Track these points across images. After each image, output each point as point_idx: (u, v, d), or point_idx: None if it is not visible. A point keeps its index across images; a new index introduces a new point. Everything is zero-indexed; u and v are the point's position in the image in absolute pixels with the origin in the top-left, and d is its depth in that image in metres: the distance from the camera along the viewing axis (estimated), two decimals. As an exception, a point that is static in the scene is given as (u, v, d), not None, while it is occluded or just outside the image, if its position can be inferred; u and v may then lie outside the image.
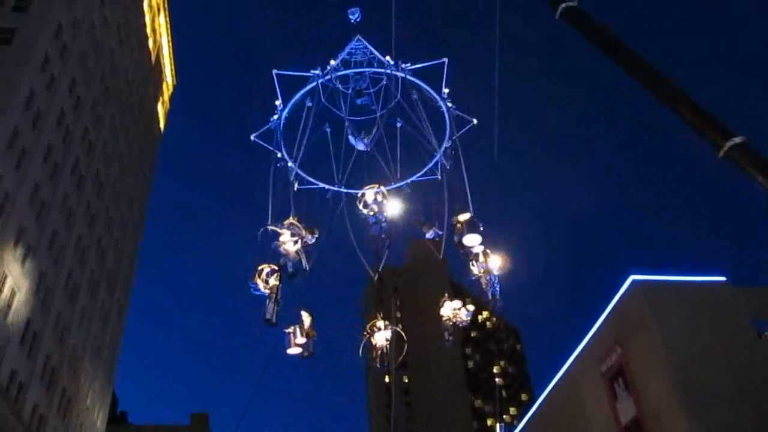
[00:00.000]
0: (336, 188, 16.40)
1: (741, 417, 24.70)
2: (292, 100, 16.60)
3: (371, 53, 16.86)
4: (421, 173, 16.69)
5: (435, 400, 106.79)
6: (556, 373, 36.45)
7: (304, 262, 13.63)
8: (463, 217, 14.41)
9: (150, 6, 72.73)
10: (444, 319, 14.79)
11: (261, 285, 13.21)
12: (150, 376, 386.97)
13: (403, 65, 16.64)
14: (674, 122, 8.15)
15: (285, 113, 16.50)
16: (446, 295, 14.98)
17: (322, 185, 16.50)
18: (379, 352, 15.01)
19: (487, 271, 14.48)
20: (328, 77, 16.48)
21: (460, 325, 14.92)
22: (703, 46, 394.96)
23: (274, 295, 13.25)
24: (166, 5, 78.74)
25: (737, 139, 7.40)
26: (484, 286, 14.54)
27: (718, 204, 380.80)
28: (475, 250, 14.47)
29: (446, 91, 16.65)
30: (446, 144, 16.36)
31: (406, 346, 15.79)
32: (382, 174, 16.15)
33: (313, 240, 13.78)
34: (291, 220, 13.72)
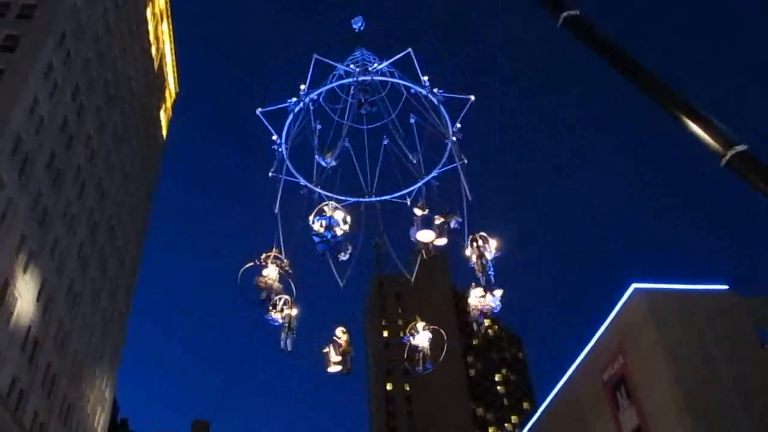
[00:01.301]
0: (312, 186, 15.95)
1: (743, 426, 24.60)
2: (324, 87, 16.34)
3: (369, 62, 16.64)
4: (440, 165, 16.25)
5: (436, 409, 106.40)
6: (558, 381, 36.38)
7: (293, 288, 13.80)
8: (419, 212, 14.19)
9: (153, 14, 73.03)
10: (471, 309, 14.22)
11: (275, 314, 13.61)
12: (152, 383, 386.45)
13: (436, 90, 16.22)
14: (674, 124, 8.17)
15: (309, 98, 16.18)
16: (473, 284, 14.50)
17: (300, 180, 16.09)
18: (420, 354, 14.72)
19: (482, 257, 14.08)
20: (367, 78, 16.14)
21: (488, 312, 14.36)
22: (703, 46, 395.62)
23: (287, 324, 13.62)
24: (169, 13, 79.05)
25: (740, 148, 7.42)
26: (478, 272, 14.17)
27: (718, 206, 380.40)
28: (437, 243, 14.18)
29: (425, 78, 16.29)
30: (453, 129, 16.10)
31: (445, 346, 15.31)
32: (390, 178, 16.20)
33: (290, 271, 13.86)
34: (273, 252, 13.81)
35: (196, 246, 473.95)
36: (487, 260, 14.05)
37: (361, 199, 16.15)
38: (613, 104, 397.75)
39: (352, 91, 16.41)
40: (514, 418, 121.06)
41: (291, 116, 16.13)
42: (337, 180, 16.18)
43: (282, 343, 13.60)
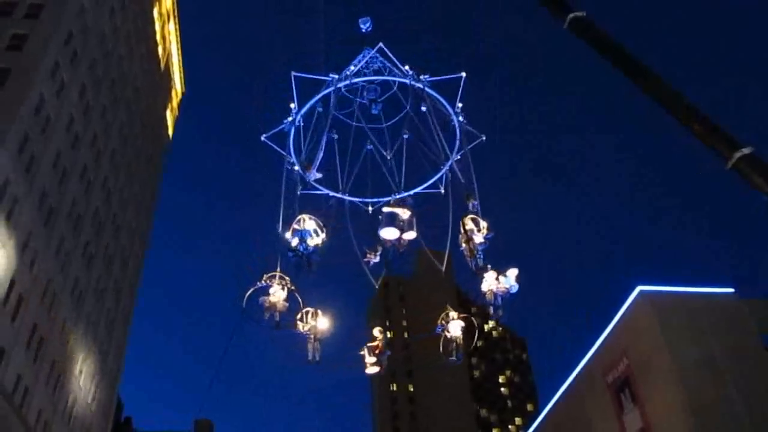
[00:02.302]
0: (340, 195, 16.31)
1: (747, 428, 24.53)
2: (308, 103, 16.51)
3: (384, 63, 16.74)
4: (425, 185, 16.51)
5: (440, 410, 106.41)
6: (563, 383, 36.32)
7: (300, 302, 14.02)
8: (388, 209, 14.12)
9: (160, 14, 73.22)
10: (487, 294, 13.99)
11: (301, 327, 13.98)
12: (155, 382, 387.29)
13: (422, 76, 16.46)
14: (677, 126, 8.16)
15: (300, 116, 16.39)
16: (488, 266, 14.33)
17: (326, 191, 16.35)
18: (453, 344, 14.57)
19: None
20: (346, 82, 16.35)
21: (505, 294, 13.99)
22: (703, 46, 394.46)
23: (313, 336, 13.95)
24: (175, 13, 79.22)
25: (745, 150, 7.40)
26: (467, 257, 14.05)
27: (720, 208, 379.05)
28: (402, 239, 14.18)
29: (460, 105, 16.51)
30: (455, 157, 16.20)
31: (476, 333, 15.16)
32: (386, 185, 16.17)
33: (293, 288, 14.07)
34: (276, 272, 13.99)
35: (199, 246, 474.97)
36: (476, 244, 13.93)
37: (392, 197, 16.04)
38: (614, 104, 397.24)
39: (365, 93, 16.55)
40: (518, 420, 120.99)
41: (291, 135, 16.36)
42: (368, 182, 16.45)
43: (310, 354, 13.94)
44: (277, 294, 13.65)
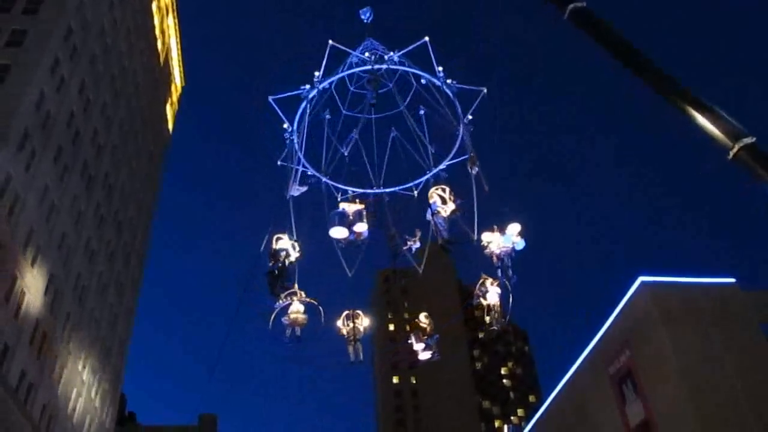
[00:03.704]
0: (320, 175, 15.97)
1: (749, 420, 24.56)
2: (335, 76, 16.23)
3: (384, 52, 16.54)
4: (450, 156, 16.17)
5: (443, 402, 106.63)
6: (564, 375, 36.34)
7: (321, 313, 14.26)
8: (352, 207, 14.23)
9: (159, 8, 73.03)
10: (494, 259, 13.84)
11: (343, 330, 14.32)
12: (159, 377, 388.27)
13: (450, 81, 16.12)
14: (677, 120, 8.12)
15: (296, 137, 16.03)
16: (495, 226, 14.09)
17: (309, 169, 16.03)
18: (492, 312, 14.37)
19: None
20: (383, 66, 16.07)
21: (512, 254, 13.76)
22: (703, 46, 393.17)
23: (352, 337, 14.26)
24: (175, 7, 79.02)
25: (748, 140, 7.35)
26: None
27: (720, 204, 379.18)
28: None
29: (440, 69, 16.16)
30: (464, 121, 15.94)
31: (511, 297, 14.77)
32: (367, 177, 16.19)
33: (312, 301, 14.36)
34: (294, 289, 14.22)
35: (200, 241, 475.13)
36: (443, 217, 13.87)
37: (368, 191, 16.15)
38: (613, 104, 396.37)
39: (367, 80, 16.36)
40: (520, 412, 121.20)
41: (304, 103, 16.03)
42: (344, 171, 16.26)
43: (352, 356, 14.29)
44: (298, 309, 13.99)
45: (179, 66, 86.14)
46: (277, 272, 13.76)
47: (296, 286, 14.26)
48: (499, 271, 14.09)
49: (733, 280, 29.79)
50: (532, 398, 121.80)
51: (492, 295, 14.29)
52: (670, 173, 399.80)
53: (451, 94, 16.00)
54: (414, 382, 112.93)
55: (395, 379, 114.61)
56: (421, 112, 16.66)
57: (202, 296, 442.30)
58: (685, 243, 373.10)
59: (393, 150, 16.75)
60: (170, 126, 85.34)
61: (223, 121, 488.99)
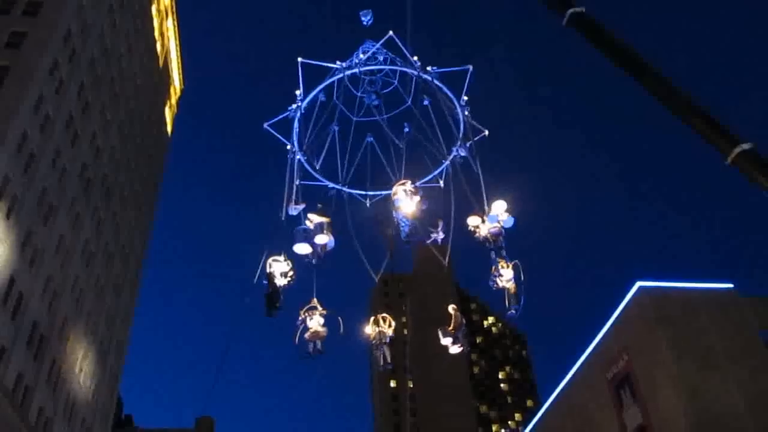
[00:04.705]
0: (339, 186, 16.33)
1: (747, 426, 24.56)
2: (314, 91, 16.37)
3: (388, 55, 16.58)
4: (426, 178, 16.42)
5: (440, 407, 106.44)
6: (562, 379, 36.32)
7: (340, 325, 14.45)
8: (317, 219, 14.23)
9: (158, 11, 73.07)
10: (486, 240, 13.79)
11: (372, 334, 14.47)
12: (156, 380, 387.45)
13: (429, 68, 16.26)
14: (676, 126, 8.13)
15: (305, 103, 16.25)
16: (478, 208, 14.18)
17: (326, 183, 16.31)
18: (510, 296, 14.16)
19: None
20: (354, 70, 16.22)
21: (501, 233, 13.72)
22: (704, 46, 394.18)
23: (384, 341, 14.40)
24: (174, 10, 79.07)
25: (745, 146, 7.35)
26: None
27: (720, 205, 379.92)
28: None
29: (465, 98, 16.38)
30: (458, 151, 16.01)
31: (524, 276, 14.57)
32: (387, 178, 16.13)
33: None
34: (313, 302, 14.42)
35: (199, 243, 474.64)
36: (405, 213, 13.79)
37: (387, 191, 15.96)
38: (614, 103, 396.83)
39: (367, 87, 16.47)
40: (517, 416, 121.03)
41: (295, 123, 16.28)
42: (367, 174, 16.53)
43: (381, 360, 14.48)
44: (318, 323, 14.17)
45: (178, 69, 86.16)
46: (271, 296, 13.79)
47: (315, 300, 14.45)
48: (492, 253, 14.02)
49: (731, 285, 29.81)
50: (529, 403, 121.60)
51: (507, 276, 14.11)
52: (670, 175, 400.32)
53: (430, 79, 16.03)
54: (411, 386, 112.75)
55: (392, 383, 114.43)
56: (425, 102, 16.68)
57: (200, 299, 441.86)
58: (683, 248, 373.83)
59: (409, 147, 16.74)
60: (169, 128, 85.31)
61: (223, 124, 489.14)
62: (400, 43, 16.28)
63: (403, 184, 14.19)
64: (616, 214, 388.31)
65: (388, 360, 14.48)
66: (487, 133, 16.44)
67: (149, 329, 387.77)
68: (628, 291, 30.03)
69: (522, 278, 14.03)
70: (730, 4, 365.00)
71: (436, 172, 16.60)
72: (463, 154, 15.78)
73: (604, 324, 31.82)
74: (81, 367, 52.71)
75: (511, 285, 14.05)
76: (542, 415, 39.73)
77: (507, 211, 14.06)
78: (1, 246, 36.76)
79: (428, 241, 14.82)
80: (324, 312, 14.33)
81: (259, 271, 13.96)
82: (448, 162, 16.21)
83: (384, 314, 14.78)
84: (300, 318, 14.22)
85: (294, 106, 16.37)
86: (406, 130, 16.75)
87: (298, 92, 16.43)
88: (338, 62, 16.44)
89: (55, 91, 44.29)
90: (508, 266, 14.09)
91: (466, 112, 16.20)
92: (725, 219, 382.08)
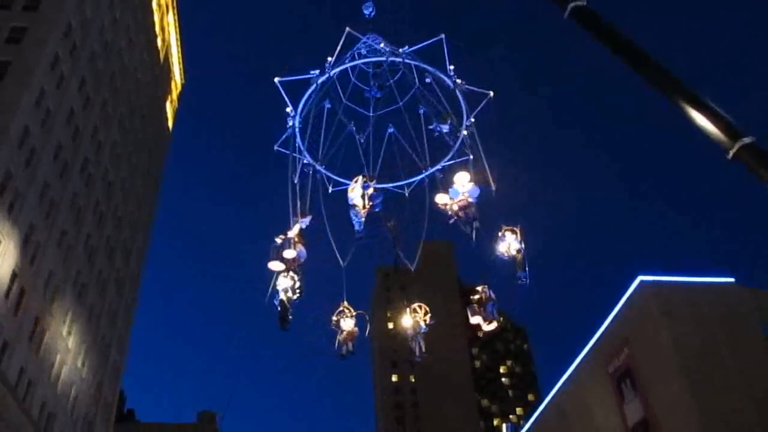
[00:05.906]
0: (322, 170, 16.26)
1: (750, 418, 24.60)
2: (300, 107, 16.12)
3: (383, 47, 16.46)
4: (449, 156, 16.19)
5: (442, 400, 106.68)
6: (564, 373, 36.40)
7: (367, 324, 14.80)
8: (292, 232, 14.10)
9: (159, 5, 72.89)
10: (457, 215, 13.78)
11: (411, 324, 14.77)
12: (158, 374, 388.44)
13: (400, 49, 16.13)
14: (677, 121, 8.12)
15: (297, 121, 16.01)
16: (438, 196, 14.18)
17: (348, 183, 16.21)
18: (516, 261, 14.26)
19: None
20: (326, 76, 16.06)
21: (471, 207, 13.67)
22: (704, 46, 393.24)
23: (416, 335, 14.75)
24: (174, 4, 78.87)
25: (747, 140, 7.33)
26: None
27: (721, 200, 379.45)
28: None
29: (451, 67, 16.10)
30: (466, 122, 15.88)
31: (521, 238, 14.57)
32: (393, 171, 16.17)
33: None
34: (344, 305, 14.63)
35: (201, 237, 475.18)
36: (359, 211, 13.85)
37: (362, 185, 16.03)
38: (614, 103, 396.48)
39: (372, 74, 16.37)
40: (519, 410, 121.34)
41: (313, 87, 16.01)
42: (339, 162, 16.46)
43: (417, 350, 14.74)
44: (349, 324, 14.41)
45: (179, 63, 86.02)
46: (279, 310, 13.91)
47: (345, 302, 14.65)
48: (468, 228, 14.00)
49: (733, 279, 29.85)
50: (531, 396, 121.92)
51: (512, 243, 14.07)
52: (670, 172, 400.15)
53: (460, 96, 15.94)
54: (413, 380, 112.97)
55: (394, 377, 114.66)
56: (421, 111, 16.61)
57: (202, 293, 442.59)
58: (683, 247, 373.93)
59: (389, 147, 16.73)
60: (170, 123, 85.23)
61: (224, 118, 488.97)
62: (445, 49, 16.07)
63: (359, 180, 14.27)
64: (616, 213, 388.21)
65: (423, 350, 14.63)
66: (491, 94, 16.20)
67: (152, 326, 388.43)
68: (629, 285, 30.07)
69: (523, 245, 14.07)
70: (730, 4, 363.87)
71: (409, 181, 16.57)
72: (445, 129, 15.70)
73: (605, 318, 31.88)
74: (83, 361, 52.82)
75: (516, 251, 14.04)
76: (543, 408, 39.84)
77: (471, 181, 13.99)
78: (2, 241, 36.81)
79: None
80: (354, 314, 14.57)
81: (270, 290, 14.01)
82: (425, 175, 16.23)
83: (420, 303, 14.97)
84: (333, 320, 14.44)
85: (317, 71, 16.13)
86: (390, 130, 16.78)
87: (330, 58, 16.19)
88: (382, 44, 16.32)
89: (56, 86, 44.26)
90: (513, 232, 14.10)
91: (458, 80, 15.99)
92: (725, 219, 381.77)
